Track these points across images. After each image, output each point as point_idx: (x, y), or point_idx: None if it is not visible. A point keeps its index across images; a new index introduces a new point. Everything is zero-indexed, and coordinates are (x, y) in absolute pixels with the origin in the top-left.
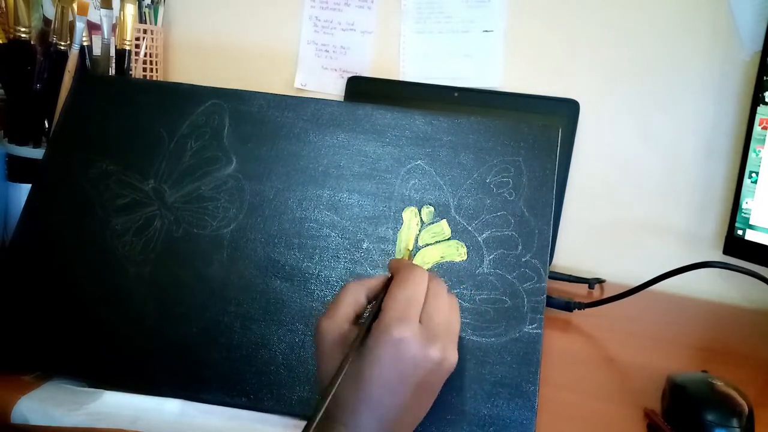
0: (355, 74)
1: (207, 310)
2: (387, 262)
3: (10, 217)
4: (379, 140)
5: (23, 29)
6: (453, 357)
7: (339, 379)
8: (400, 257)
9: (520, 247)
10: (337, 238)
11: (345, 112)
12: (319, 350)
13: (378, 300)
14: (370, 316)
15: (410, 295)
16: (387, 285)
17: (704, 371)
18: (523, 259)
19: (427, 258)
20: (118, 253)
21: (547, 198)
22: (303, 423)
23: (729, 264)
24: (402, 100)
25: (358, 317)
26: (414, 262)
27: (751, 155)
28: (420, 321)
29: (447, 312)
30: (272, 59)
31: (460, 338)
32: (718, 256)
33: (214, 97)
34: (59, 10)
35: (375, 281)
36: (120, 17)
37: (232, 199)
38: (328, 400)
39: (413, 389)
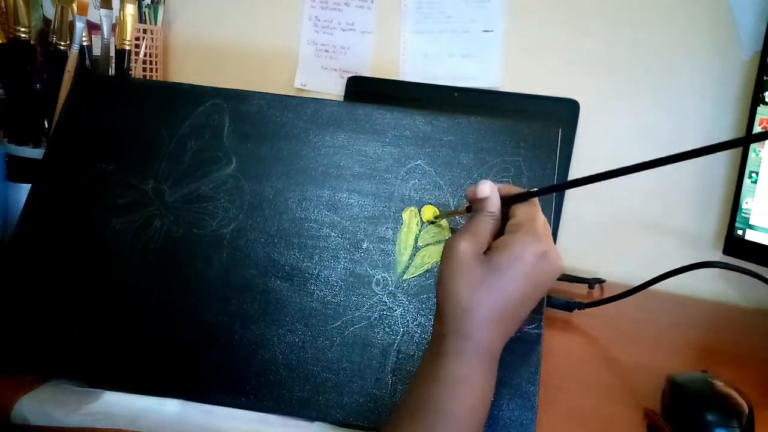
0: (355, 74)
1: (207, 310)
2: (387, 263)
3: (10, 217)
4: (379, 140)
5: (23, 29)
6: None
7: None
8: (401, 255)
9: None
10: (337, 238)
11: (345, 112)
12: (452, 265)
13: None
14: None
15: (537, 210)
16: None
17: (704, 371)
18: None
19: (427, 258)
20: (118, 253)
21: (547, 198)
22: (303, 423)
23: (729, 264)
24: (402, 100)
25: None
26: (414, 262)
27: (751, 155)
28: None
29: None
30: (272, 59)
31: None
32: (718, 256)
33: (214, 97)
34: (59, 10)
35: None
36: (120, 17)
37: (232, 199)
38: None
39: (540, 298)
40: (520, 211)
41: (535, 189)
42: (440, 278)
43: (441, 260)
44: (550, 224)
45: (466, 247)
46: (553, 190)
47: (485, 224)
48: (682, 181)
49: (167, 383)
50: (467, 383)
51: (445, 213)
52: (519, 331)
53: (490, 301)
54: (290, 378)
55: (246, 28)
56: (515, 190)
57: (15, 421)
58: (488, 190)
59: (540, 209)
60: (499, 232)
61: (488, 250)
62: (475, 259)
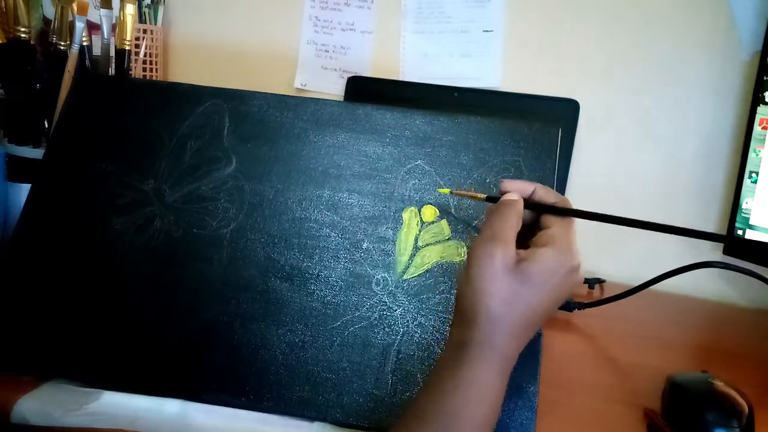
0: (355, 74)
1: (207, 310)
2: (387, 263)
3: (10, 217)
4: (379, 140)
5: (23, 29)
6: None
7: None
8: (401, 255)
9: None
10: (337, 238)
11: (345, 112)
12: (482, 273)
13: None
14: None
15: (572, 222)
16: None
17: (704, 371)
18: None
19: (427, 258)
20: (118, 253)
21: None
22: (303, 423)
23: (729, 264)
24: (402, 100)
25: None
26: (414, 262)
27: (751, 155)
28: None
29: None
30: (272, 59)
31: None
32: (718, 256)
33: (214, 97)
34: (59, 10)
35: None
36: (120, 17)
37: (232, 199)
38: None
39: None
40: (555, 222)
41: (572, 209)
42: (468, 283)
43: (469, 264)
44: None
45: (500, 257)
46: (584, 216)
47: (513, 230)
48: (682, 181)
49: (167, 383)
50: (486, 391)
51: (461, 192)
52: None
53: (519, 314)
54: (290, 378)
55: (246, 28)
56: (552, 193)
57: (15, 421)
58: (516, 194)
59: (574, 222)
60: (523, 234)
61: (519, 261)
62: (507, 269)
